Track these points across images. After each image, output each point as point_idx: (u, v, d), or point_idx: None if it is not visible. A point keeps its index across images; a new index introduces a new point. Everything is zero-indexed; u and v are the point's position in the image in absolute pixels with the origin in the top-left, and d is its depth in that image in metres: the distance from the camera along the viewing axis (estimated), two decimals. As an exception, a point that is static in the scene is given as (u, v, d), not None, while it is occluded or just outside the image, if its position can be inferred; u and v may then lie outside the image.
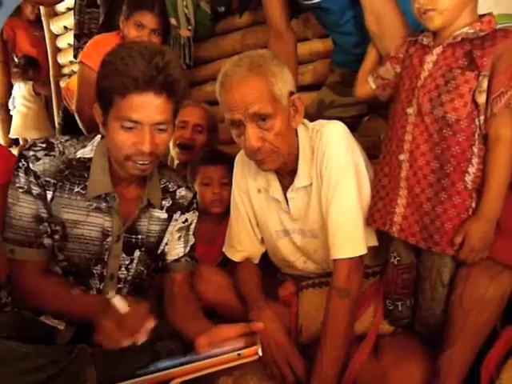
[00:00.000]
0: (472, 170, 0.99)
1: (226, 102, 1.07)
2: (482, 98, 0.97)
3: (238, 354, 0.78)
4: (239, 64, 1.07)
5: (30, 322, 1.04)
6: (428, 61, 1.04)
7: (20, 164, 1.00)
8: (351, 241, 1.10)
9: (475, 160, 0.99)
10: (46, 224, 1.02)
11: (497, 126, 0.96)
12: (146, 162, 0.98)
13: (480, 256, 0.99)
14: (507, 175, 0.96)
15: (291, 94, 1.10)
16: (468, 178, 0.99)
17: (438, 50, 1.03)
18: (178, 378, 0.79)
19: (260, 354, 0.78)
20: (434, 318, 1.09)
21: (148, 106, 0.93)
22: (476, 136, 0.99)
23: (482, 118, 0.98)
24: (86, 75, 1.76)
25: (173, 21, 1.95)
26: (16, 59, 3.75)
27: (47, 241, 1.03)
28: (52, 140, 1.03)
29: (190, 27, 2.00)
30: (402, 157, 1.06)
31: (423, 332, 1.13)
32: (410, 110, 1.05)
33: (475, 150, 0.99)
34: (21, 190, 1.00)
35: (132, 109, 0.93)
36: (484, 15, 1.02)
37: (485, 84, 0.96)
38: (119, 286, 1.11)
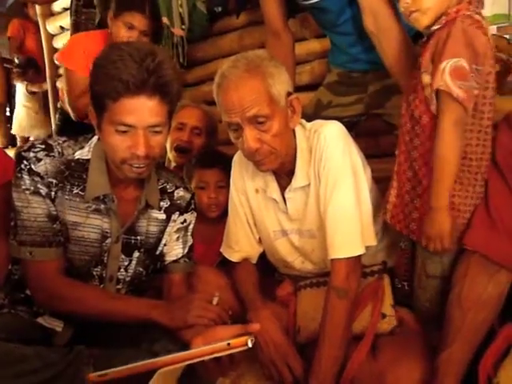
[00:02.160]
0: None
1: (224, 104, 1.07)
2: (426, 93, 1.00)
3: (228, 344, 0.77)
4: (236, 65, 1.06)
5: (28, 323, 1.03)
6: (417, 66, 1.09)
7: (22, 166, 0.98)
8: (349, 241, 1.10)
9: None
10: (58, 222, 1.01)
11: (438, 117, 0.99)
12: (141, 165, 0.98)
13: (442, 246, 1.01)
14: (447, 166, 0.97)
15: (289, 94, 1.10)
16: None
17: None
18: (166, 367, 0.78)
19: (250, 344, 0.77)
20: (423, 305, 1.14)
21: (141, 110, 0.92)
22: None
23: None
24: (64, 74, 1.79)
25: (165, 20, 1.94)
26: (16, 60, 3.74)
27: (61, 239, 1.02)
28: (50, 141, 1.03)
29: (183, 26, 1.99)
30: (396, 152, 1.13)
31: (419, 314, 1.18)
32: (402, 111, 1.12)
33: None
34: (28, 192, 0.98)
35: (125, 113, 0.92)
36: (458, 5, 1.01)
37: (426, 79, 0.99)
38: (118, 287, 1.11)
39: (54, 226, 1.01)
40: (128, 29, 1.68)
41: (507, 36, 1.53)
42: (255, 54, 1.10)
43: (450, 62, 0.93)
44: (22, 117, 3.78)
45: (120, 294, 1.11)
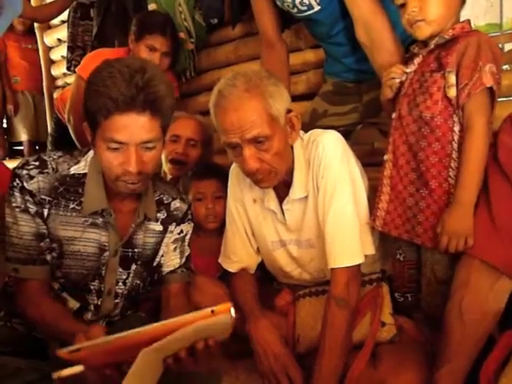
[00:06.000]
0: (455, 164, 1.03)
1: (222, 124, 1.06)
2: (451, 93, 1.02)
3: (212, 311, 0.75)
4: (235, 84, 1.04)
5: (23, 336, 1.03)
6: (410, 70, 1.10)
7: (15, 183, 0.99)
8: (348, 250, 1.10)
9: (455, 155, 1.03)
10: (47, 240, 1.01)
11: (467, 116, 1.01)
12: (135, 181, 0.97)
13: (460, 244, 1.00)
14: (480, 162, 1.00)
15: (288, 111, 1.10)
16: (452, 173, 1.03)
17: (419, 59, 1.10)
18: (149, 347, 0.70)
19: (233, 314, 0.75)
20: (432, 311, 1.12)
21: (131, 126, 0.91)
22: (456, 131, 1.03)
23: (460, 112, 1.02)
24: (79, 87, 1.79)
25: (182, 35, 1.95)
26: None
27: (49, 257, 1.02)
28: (44, 157, 1.02)
29: (192, 40, 2.01)
30: (385, 157, 1.13)
31: (427, 319, 1.16)
32: (393, 115, 1.12)
33: (455, 145, 1.03)
34: (18, 210, 0.99)
35: (116, 130, 0.91)
36: (461, 22, 1.07)
37: (451, 79, 1.02)
38: (116, 300, 1.10)
39: (41, 244, 1.01)
40: (150, 51, 1.71)
41: (500, 45, 1.56)
42: (253, 71, 1.09)
43: (488, 66, 0.98)
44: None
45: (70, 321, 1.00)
